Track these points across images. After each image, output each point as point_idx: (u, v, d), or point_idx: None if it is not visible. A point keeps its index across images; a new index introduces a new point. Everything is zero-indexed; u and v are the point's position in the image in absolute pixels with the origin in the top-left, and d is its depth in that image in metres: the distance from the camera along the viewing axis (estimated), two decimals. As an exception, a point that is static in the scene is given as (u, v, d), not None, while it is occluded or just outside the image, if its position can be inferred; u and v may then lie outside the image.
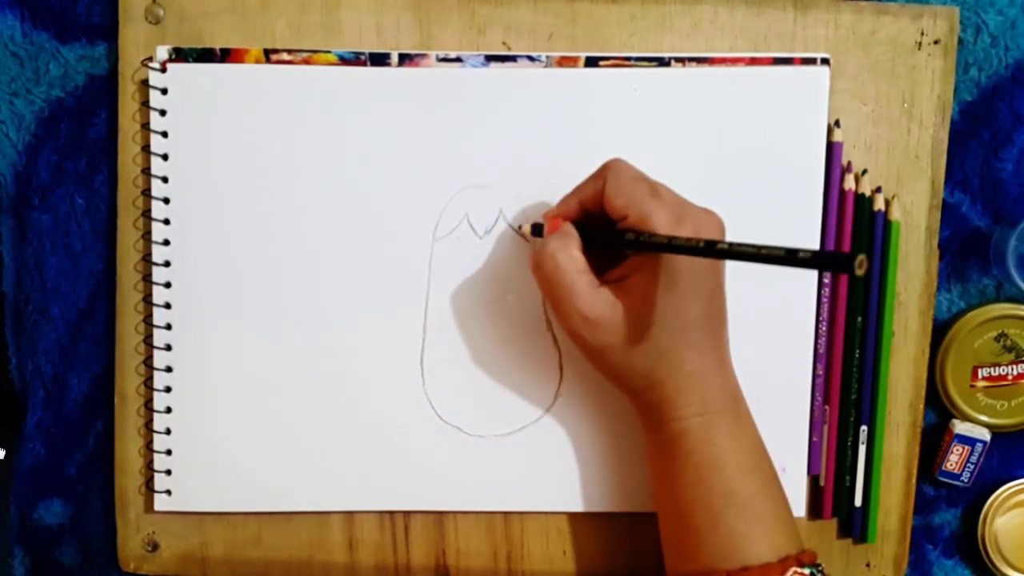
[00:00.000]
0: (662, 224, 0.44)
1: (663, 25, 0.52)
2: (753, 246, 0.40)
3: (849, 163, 0.53)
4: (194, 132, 0.52)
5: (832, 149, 0.52)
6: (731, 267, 0.53)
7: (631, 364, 0.46)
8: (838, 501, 0.54)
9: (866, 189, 0.53)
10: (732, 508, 0.45)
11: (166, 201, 0.53)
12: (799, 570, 0.44)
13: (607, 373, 0.48)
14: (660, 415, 0.46)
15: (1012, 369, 0.55)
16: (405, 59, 0.52)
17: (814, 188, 0.53)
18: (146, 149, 0.52)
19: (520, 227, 0.52)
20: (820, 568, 0.45)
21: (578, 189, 0.48)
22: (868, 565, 0.55)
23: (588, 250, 0.47)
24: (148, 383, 0.54)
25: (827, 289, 0.53)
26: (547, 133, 0.52)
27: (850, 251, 0.36)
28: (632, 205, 0.45)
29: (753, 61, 0.52)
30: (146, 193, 0.53)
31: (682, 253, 0.43)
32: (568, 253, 0.46)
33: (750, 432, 0.47)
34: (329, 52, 0.52)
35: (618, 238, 0.46)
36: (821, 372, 0.54)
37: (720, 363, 0.47)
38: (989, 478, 0.56)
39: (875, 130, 0.53)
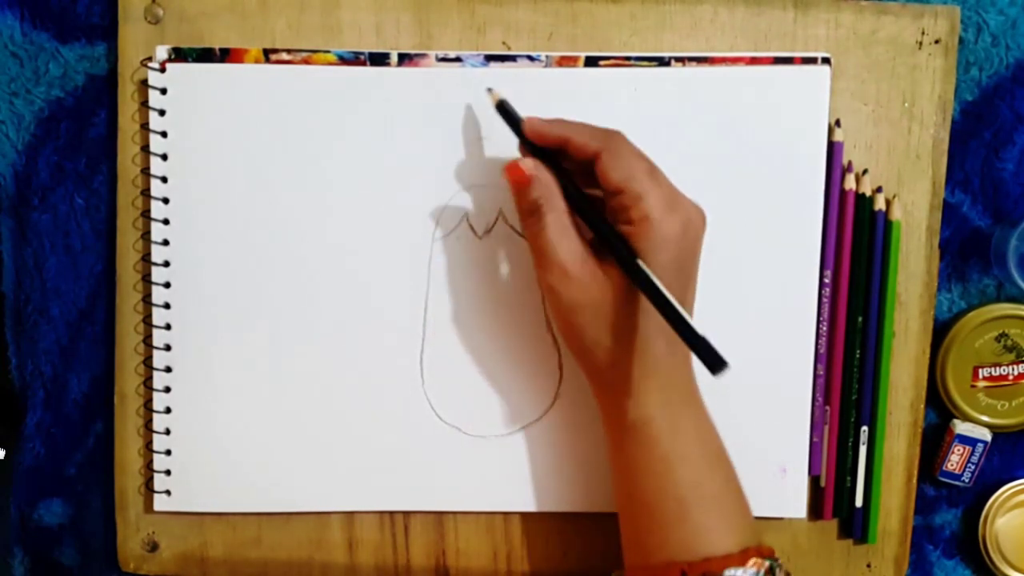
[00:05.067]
0: (656, 205, 0.44)
1: (663, 25, 0.52)
2: (658, 294, 0.42)
3: (850, 163, 0.53)
4: (193, 132, 0.52)
5: (832, 149, 0.52)
6: (731, 266, 0.53)
7: (598, 333, 0.45)
8: (839, 501, 0.54)
9: (867, 189, 0.53)
10: (700, 501, 0.45)
11: (165, 201, 0.53)
12: (759, 560, 0.44)
13: (572, 340, 0.47)
14: (623, 400, 0.46)
15: (1013, 369, 0.55)
16: (405, 59, 0.52)
17: (814, 188, 0.53)
18: (145, 149, 0.52)
19: (490, 90, 0.50)
20: (779, 562, 0.45)
21: (571, 127, 0.46)
22: (869, 566, 0.55)
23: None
24: (148, 383, 0.54)
25: (827, 289, 0.53)
26: (547, 133, 0.52)
27: (720, 359, 0.41)
28: (629, 181, 0.44)
29: (753, 61, 0.52)
30: (146, 193, 0.53)
31: (610, 250, 0.44)
32: (555, 207, 0.45)
33: (709, 426, 0.47)
34: (329, 52, 0.52)
35: (586, 211, 0.46)
36: (822, 372, 0.53)
37: (686, 355, 0.47)
38: (990, 478, 0.56)
39: (876, 130, 0.53)
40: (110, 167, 0.54)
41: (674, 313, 0.42)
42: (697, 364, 0.48)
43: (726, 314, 0.53)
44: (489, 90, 0.50)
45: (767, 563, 0.44)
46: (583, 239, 0.46)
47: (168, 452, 0.54)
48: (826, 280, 0.53)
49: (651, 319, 0.45)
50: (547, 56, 0.52)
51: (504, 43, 0.52)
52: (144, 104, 0.52)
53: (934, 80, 0.53)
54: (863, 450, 0.54)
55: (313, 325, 0.53)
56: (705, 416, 0.47)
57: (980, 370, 0.55)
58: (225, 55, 0.52)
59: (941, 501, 0.57)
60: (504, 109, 0.49)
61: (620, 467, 0.48)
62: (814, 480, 0.55)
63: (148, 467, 0.54)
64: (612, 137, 0.46)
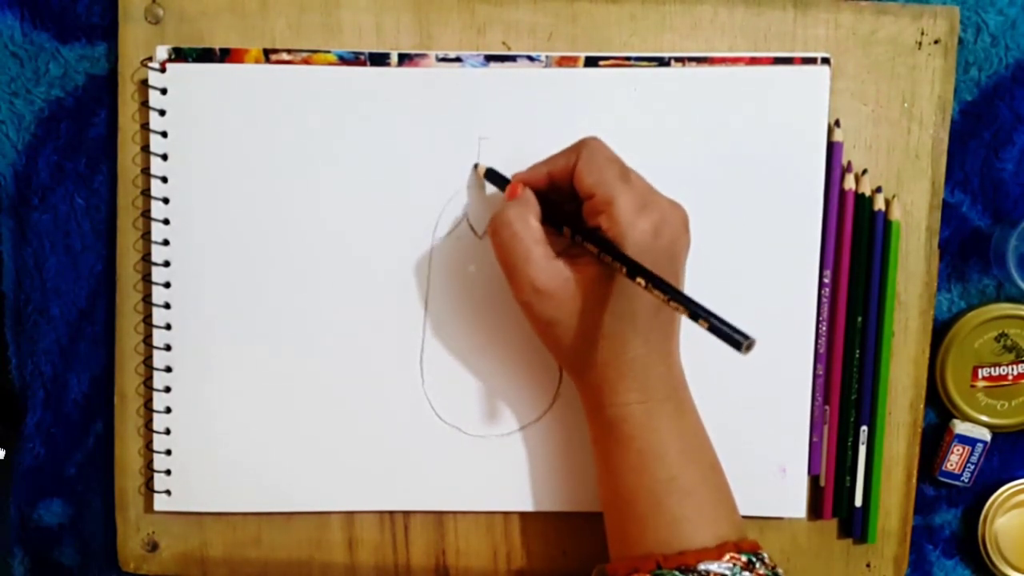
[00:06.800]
0: (625, 209, 0.44)
1: (663, 25, 0.52)
2: (672, 289, 0.42)
3: (849, 163, 0.53)
4: (194, 132, 0.52)
5: (832, 149, 0.52)
6: (730, 266, 0.53)
7: (576, 342, 0.46)
8: (838, 501, 0.54)
9: (866, 189, 0.53)
10: (674, 494, 0.45)
11: (166, 201, 0.53)
12: (736, 555, 0.44)
13: (552, 348, 0.48)
14: (601, 399, 0.47)
15: (1012, 369, 0.55)
16: (405, 59, 0.52)
17: (814, 188, 0.53)
18: (146, 149, 0.52)
19: (476, 165, 0.52)
20: (763, 557, 0.45)
21: (550, 160, 0.48)
22: (868, 565, 0.55)
23: (547, 221, 0.47)
24: (148, 383, 0.54)
25: (827, 289, 0.53)
26: (547, 133, 0.52)
27: (743, 334, 0.40)
28: (600, 185, 0.45)
29: (753, 61, 0.52)
30: (146, 193, 0.53)
31: (615, 260, 0.44)
32: (525, 221, 0.46)
33: (692, 421, 0.48)
34: (329, 52, 0.52)
35: (570, 222, 0.47)
36: (821, 372, 0.53)
37: (666, 353, 0.47)
38: (989, 478, 0.56)
39: (875, 130, 0.53)
40: (110, 167, 0.54)
41: (688, 301, 0.41)
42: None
43: (725, 314, 0.53)
44: (475, 166, 0.52)
45: (744, 557, 0.44)
46: (553, 253, 0.46)
47: (168, 452, 0.54)
48: (826, 280, 0.53)
49: (627, 322, 0.45)
50: (547, 56, 0.52)
51: (504, 43, 0.52)
52: (144, 104, 0.52)
53: (933, 80, 0.53)
54: (863, 450, 0.54)
55: (313, 325, 0.53)
56: (687, 412, 0.48)
57: (980, 370, 0.55)
58: (225, 55, 0.52)
59: (941, 501, 0.57)
60: (493, 175, 0.51)
61: (601, 463, 0.49)
62: (814, 480, 0.55)
63: (148, 467, 0.54)
64: (586, 144, 0.47)
